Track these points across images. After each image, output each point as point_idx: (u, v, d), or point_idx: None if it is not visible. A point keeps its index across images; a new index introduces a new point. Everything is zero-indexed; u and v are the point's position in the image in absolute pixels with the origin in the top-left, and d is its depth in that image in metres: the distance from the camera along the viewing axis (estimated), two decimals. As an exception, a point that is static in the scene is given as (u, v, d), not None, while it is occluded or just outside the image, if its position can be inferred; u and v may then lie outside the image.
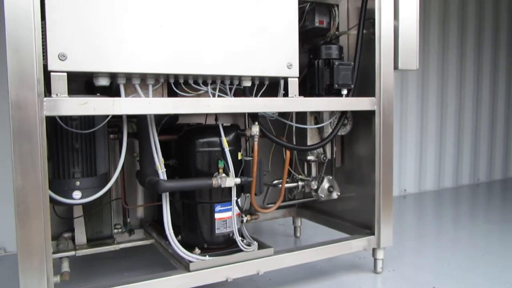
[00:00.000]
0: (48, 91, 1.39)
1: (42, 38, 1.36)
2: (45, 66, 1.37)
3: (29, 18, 1.31)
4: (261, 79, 1.81)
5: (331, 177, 2.25)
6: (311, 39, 2.36)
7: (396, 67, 2.04)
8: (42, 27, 1.36)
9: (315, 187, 2.23)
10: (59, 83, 1.40)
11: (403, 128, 4.04)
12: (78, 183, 1.65)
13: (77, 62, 1.41)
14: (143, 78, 1.59)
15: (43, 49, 1.37)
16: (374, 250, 2.10)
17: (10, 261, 2.43)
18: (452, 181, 4.42)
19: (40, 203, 1.35)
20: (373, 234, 2.07)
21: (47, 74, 1.38)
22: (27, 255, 1.34)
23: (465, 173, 4.50)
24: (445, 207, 3.62)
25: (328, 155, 2.26)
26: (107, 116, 1.66)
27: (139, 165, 1.94)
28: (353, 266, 2.23)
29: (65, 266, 1.83)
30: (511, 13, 4.67)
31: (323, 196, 2.22)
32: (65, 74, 1.40)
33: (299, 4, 1.89)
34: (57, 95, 1.38)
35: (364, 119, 2.12)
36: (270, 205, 2.17)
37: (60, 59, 1.39)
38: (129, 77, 1.57)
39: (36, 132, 1.33)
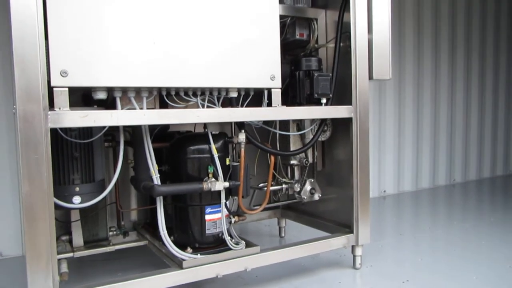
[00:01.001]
0: (51, 105, 1.51)
1: (46, 57, 1.48)
2: (48, 82, 1.50)
3: (34, 38, 1.43)
4: (247, 90, 1.95)
5: (312, 180, 2.41)
6: (293, 50, 2.52)
7: (371, 77, 2.21)
8: (46, 47, 1.48)
9: (298, 189, 2.38)
10: (61, 98, 1.52)
11: (381, 132, 4.23)
12: (77, 189, 1.77)
13: (78, 78, 1.54)
14: (138, 91, 1.73)
15: (47, 66, 1.49)
16: (353, 247, 2.26)
17: (7, 264, 2.52)
18: (429, 182, 4.64)
19: (46, 207, 1.47)
20: (351, 232, 2.24)
21: (50, 89, 1.50)
22: (35, 256, 1.46)
23: (441, 174, 4.72)
24: (422, 206, 3.82)
25: (310, 160, 2.41)
26: (104, 126, 1.78)
27: (133, 171, 2.07)
28: (334, 263, 2.39)
29: (64, 267, 1.94)
30: (482, 20, 4.92)
31: (305, 197, 2.38)
32: (67, 89, 1.52)
33: (281, 18, 2.06)
34: (59, 108, 1.51)
35: (342, 125, 2.29)
36: (256, 207, 2.31)
37: (62, 76, 1.52)
38: (124, 90, 1.70)
39: (42, 143, 1.46)
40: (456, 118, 4.82)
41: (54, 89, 1.50)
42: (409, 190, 4.45)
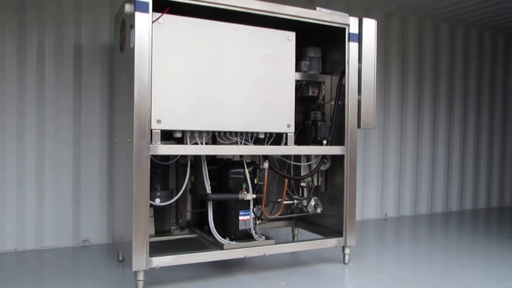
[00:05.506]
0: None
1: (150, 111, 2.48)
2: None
3: (145, 101, 2.43)
4: (270, 133, 2.89)
5: (316, 198, 3.30)
6: (307, 103, 3.46)
7: (359, 126, 3.11)
8: (150, 106, 2.47)
9: (305, 204, 3.28)
10: (156, 136, 2.51)
11: (384, 163, 5.08)
12: (158, 193, 2.75)
13: (166, 124, 2.53)
14: (201, 132, 2.69)
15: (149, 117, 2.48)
16: (343, 247, 3.13)
17: (93, 250, 3.50)
18: (427, 208, 5.42)
19: (145, 203, 2.44)
20: (342, 236, 3.10)
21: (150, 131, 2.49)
22: (138, 232, 2.41)
23: (438, 202, 5.50)
24: (416, 229, 4.61)
25: (315, 183, 3.32)
26: (177, 155, 2.76)
27: (191, 185, 3.02)
28: (330, 260, 3.25)
29: (142, 247, 2.89)
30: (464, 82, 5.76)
31: (310, 210, 3.27)
32: (160, 131, 2.51)
33: (299, 81, 3.02)
34: (155, 143, 2.49)
35: (339, 160, 3.18)
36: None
37: (157, 123, 2.50)
38: (192, 132, 2.67)
39: (146, 164, 2.44)
40: (453, 152, 5.61)
41: (153, 130, 2.49)
42: (408, 215, 5.25)
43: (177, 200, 3.13)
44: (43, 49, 3.44)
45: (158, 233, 3.09)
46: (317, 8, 2.97)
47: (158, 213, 3.08)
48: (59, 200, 3.51)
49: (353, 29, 3.05)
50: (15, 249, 3.39)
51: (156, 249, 3.09)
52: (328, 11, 2.99)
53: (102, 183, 3.63)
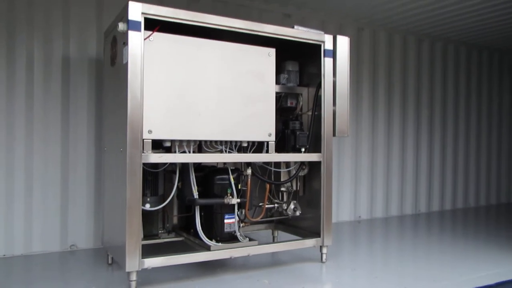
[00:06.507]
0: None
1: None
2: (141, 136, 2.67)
3: (139, 112, 2.61)
4: (253, 142, 3.11)
5: (295, 202, 3.53)
6: (286, 113, 3.70)
7: (334, 134, 3.36)
8: (141, 117, 2.66)
9: (285, 207, 3.51)
10: (147, 145, 2.69)
11: (357, 169, 5.38)
12: (148, 199, 2.92)
13: (157, 134, 2.71)
14: (188, 141, 2.89)
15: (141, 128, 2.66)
16: (320, 247, 3.36)
17: (81, 254, 3.62)
18: (398, 210, 5.75)
19: (138, 207, 2.61)
20: (319, 237, 3.34)
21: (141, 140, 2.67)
22: (131, 235, 2.58)
23: (408, 204, 5.84)
24: (387, 230, 4.91)
25: (294, 188, 3.55)
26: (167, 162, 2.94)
27: (178, 191, 3.20)
28: (308, 259, 3.48)
29: (132, 251, 3.05)
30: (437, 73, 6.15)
31: (290, 213, 3.50)
32: (151, 140, 2.69)
33: (278, 93, 3.25)
34: (146, 151, 2.67)
35: (316, 166, 3.42)
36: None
37: (148, 133, 2.69)
38: (181, 141, 2.86)
39: (138, 171, 2.61)
40: (421, 157, 5.97)
41: (144, 140, 2.67)
42: (380, 217, 5.56)
43: (166, 205, 3.31)
44: (32, 61, 3.57)
45: (146, 236, 3.24)
46: (295, 27, 3.22)
47: (146, 218, 3.24)
48: (47, 206, 3.63)
49: (328, 45, 3.32)
50: (4, 255, 3.48)
51: (145, 252, 3.23)
52: (305, 29, 3.24)
53: (89, 189, 3.77)
